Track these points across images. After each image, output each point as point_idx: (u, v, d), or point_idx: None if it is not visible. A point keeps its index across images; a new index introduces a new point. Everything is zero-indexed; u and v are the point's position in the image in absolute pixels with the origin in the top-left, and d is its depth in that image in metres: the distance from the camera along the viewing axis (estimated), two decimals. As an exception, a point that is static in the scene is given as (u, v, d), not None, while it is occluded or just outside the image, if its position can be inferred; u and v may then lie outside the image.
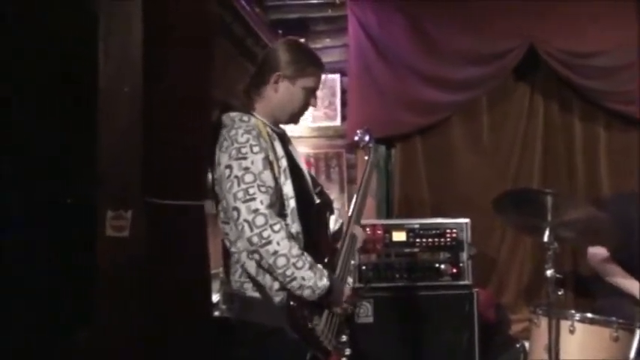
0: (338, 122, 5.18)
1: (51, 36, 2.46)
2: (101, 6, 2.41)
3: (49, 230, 2.44)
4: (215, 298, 3.12)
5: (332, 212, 2.69)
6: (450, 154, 5.07)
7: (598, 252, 3.77)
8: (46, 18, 2.45)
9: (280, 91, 2.49)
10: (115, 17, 2.40)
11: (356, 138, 2.84)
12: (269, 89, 2.49)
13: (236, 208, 2.24)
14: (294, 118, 2.58)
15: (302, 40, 2.82)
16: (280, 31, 4.92)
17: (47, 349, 2.40)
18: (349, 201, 4.99)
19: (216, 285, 3.04)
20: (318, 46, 5.09)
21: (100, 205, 2.37)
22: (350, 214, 2.62)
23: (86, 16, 2.43)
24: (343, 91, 5.15)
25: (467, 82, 4.87)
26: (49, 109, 2.50)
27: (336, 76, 5.14)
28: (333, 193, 5.02)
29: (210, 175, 2.50)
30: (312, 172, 4.92)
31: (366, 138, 2.81)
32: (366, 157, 2.81)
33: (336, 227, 2.72)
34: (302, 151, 4.87)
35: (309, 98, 2.54)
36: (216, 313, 3.07)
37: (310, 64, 2.53)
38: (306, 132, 5.12)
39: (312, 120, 5.12)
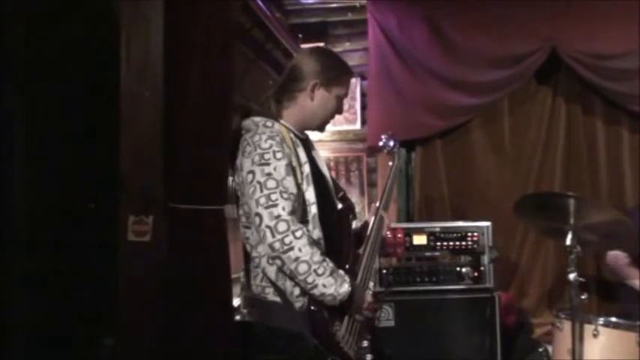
0: (358, 126, 5.19)
1: (73, 41, 2.49)
2: (123, 11, 2.42)
3: (71, 235, 2.46)
4: (236, 302, 3.13)
5: (354, 217, 2.69)
6: (471, 157, 5.05)
7: (618, 255, 3.74)
8: (68, 23, 2.47)
9: (316, 99, 2.49)
10: (137, 22, 2.42)
11: (380, 143, 2.84)
12: (304, 97, 2.49)
13: (258, 214, 2.25)
14: (323, 126, 2.60)
15: (321, 44, 2.83)
16: (300, 36, 4.94)
17: (73, 357, 2.42)
18: (369, 205, 4.99)
19: (236, 289, 3.05)
20: (338, 49, 5.09)
21: (122, 210, 2.39)
22: (372, 223, 2.60)
23: (108, 22, 2.45)
24: (363, 95, 5.17)
25: (488, 85, 4.84)
26: (72, 114, 2.52)
27: (356, 80, 5.14)
28: (354, 197, 5.02)
29: (231, 180, 2.51)
30: (333, 175, 4.92)
31: (391, 143, 2.81)
32: (390, 163, 2.81)
33: (358, 225, 2.72)
34: (322, 154, 4.87)
35: (339, 105, 2.56)
36: (237, 318, 3.07)
37: (344, 72, 2.56)
38: (326, 136, 5.12)
39: (332, 124, 5.10)
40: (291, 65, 2.57)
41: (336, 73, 2.51)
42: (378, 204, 2.66)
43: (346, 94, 2.57)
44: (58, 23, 2.44)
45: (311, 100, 2.48)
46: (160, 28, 2.40)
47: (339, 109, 2.57)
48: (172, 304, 2.36)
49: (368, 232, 2.58)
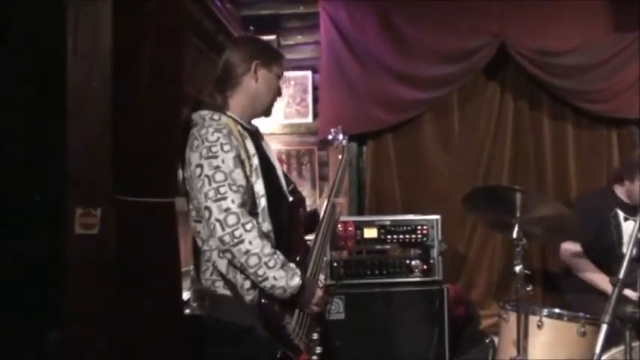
0: (310, 119, 5.18)
1: (17, 30, 2.42)
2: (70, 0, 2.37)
3: (16, 227, 2.40)
4: (186, 295, 3.11)
5: (305, 210, 2.70)
6: (421, 151, 5.10)
7: (571, 247, 3.83)
8: (11, 11, 2.41)
9: (260, 79, 2.52)
10: (84, 11, 2.37)
11: (330, 137, 2.85)
12: (248, 79, 2.50)
13: (207, 208, 2.24)
14: (269, 110, 2.61)
15: (273, 36, 2.87)
16: (252, 28, 4.91)
17: (18, 351, 2.37)
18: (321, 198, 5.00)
19: (186, 283, 3.03)
20: (290, 42, 5.10)
21: (69, 202, 2.34)
22: (323, 209, 2.61)
23: (54, 10, 2.39)
24: (315, 88, 5.16)
25: (438, 79, 4.89)
26: (17, 105, 2.46)
27: (308, 73, 5.14)
28: (305, 190, 5.02)
29: (181, 173, 2.49)
30: (284, 168, 4.91)
31: (340, 137, 2.83)
32: (340, 157, 2.82)
33: (309, 211, 2.73)
34: (274, 147, 4.86)
35: (279, 86, 2.60)
36: (187, 311, 3.05)
37: (277, 52, 2.67)
38: (278, 129, 5.12)
39: (283, 117, 5.12)
40: (226, 57, 2.56)
41: (272, 51, 2.62)
42: (329, 191, 2.67)
43: (282, 74, 2.62)
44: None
45: (255, 81, 2.51)
46: (108, 17, 2.35)
47: (279, 90, 2.61)
48: (121, 298, 2.33)
49: (320, 217, 2.58)
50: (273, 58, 2.57)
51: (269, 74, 2.53)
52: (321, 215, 2.59)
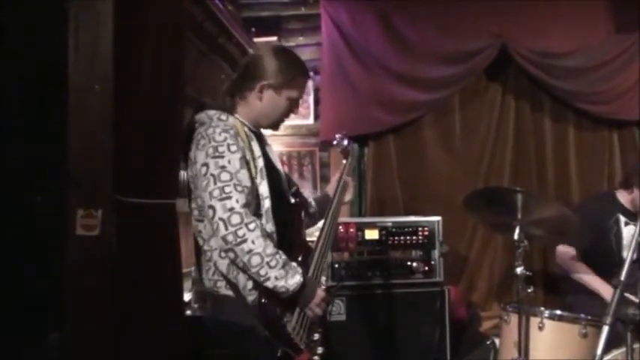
0: (311, 121, 5.19)
1: (18, 31, 2.43)
2: (71, 1, 2.38)
3: (17, 228, 2.41)
4: (187, 297, 3.10)
5: (307, 212, 2.70)
6: (422, 152, 5.10)
7: (566, 250, 3.82)
8: (12, 11, 2.41)
9: (264, 100, 2.47)
10: (86, 13, 2.37)
11: (334, 142, 2.86)
12: (253, 96, 2.47)
13: (212, 207, 2.23)
14: (275, 125, 2.59)
15: (274, 38, 2.80)
16: (253, 29, 4.91)
17: (18, 352, 2.37)
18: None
19: (187, 284, 3.03)
20: (291, 44, 5.09)
21: (71, 203, 2.34)
22: (324, 221, 2.60)
23: (54, 10, 2.40)
24: (316, 90, 5.16)
25: (439, 81, 4.90)
26: (18, 106, 2.46)
27: (310, 75, 5.13)
28: (306, 191, 5.02)
29: (183, 173, 2.49)
30: (285, 169, 4.92)
31: (345, 142, 2.84)
32: (344, 161, 2.82)
33: (318, 195, 2.73)
34: (275, 149, 4.86)
35: (292, 107, 2.54)
36: (188, 312, 3.05)
37: (298, 75, 2.51)
38: (280, 130, 5.07)
39: (285, 118, 5.12)
40: (245, 62, 2.54)
41: (287, 76, 2.46)
42: (332, 196, 2.67)
43: (300, 96, 2.54)
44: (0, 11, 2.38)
45: (259, 100, 2.47)
46: (109, 18, 2.36)
47: (291, 110, 2.54)
48: (122, 299, 2.33)
49: (319, 234, 2.56)
50: (285, 83, 2.46)
51: (276, 96, 2.47)
52: (315, 242, 2.53)
